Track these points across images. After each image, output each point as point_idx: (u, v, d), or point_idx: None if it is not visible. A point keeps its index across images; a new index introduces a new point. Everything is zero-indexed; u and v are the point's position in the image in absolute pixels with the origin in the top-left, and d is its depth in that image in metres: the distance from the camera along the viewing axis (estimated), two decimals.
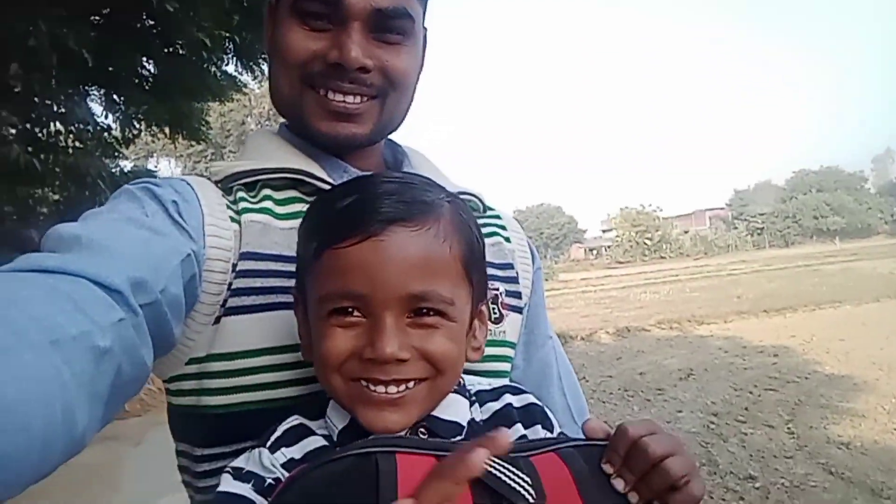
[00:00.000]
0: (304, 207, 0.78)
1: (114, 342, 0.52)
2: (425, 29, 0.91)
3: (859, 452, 4.82)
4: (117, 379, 0.54)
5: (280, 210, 0.81)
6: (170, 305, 0.64)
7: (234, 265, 0.75)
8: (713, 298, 16.36)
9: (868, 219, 65.53)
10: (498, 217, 1.00)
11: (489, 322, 0.86)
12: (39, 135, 6.63)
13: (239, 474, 0.63)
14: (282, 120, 0.94)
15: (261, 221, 0.78)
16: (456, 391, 0.69)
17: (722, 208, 76.52)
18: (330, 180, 0.82)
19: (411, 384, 0.62)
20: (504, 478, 0.54)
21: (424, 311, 0.62)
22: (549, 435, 0.71)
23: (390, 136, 0.95)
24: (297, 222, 0.76)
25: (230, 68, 6.71)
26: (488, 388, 0.74)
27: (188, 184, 0.79)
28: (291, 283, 0.73)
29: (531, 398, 0.74)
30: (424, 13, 0.89)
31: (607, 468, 0.60)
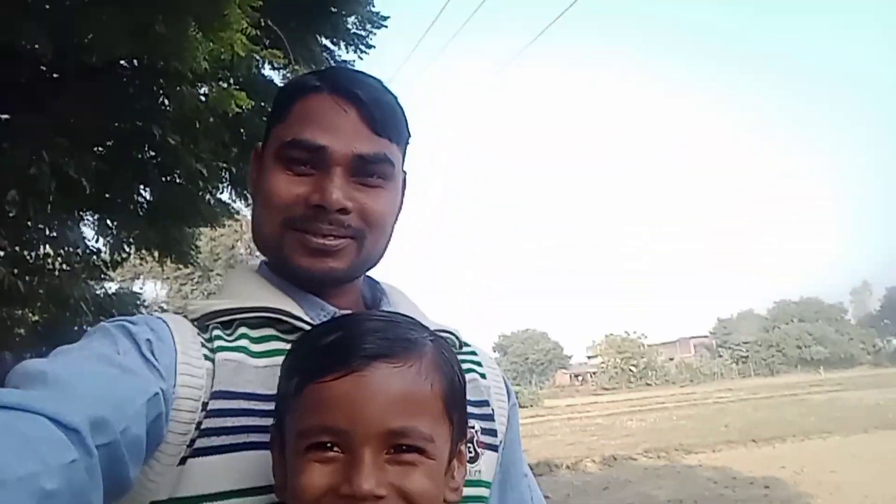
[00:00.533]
0: (280, 345, 0.80)
1: (61, 485, 0.50)
2: (405, 172, 0.95)
3: None
4: None
5: (255, 348, 0.81)
6: (129, 447, 0.62)
7: (205, 404, 0.74)
8: (701, 427, 16.06)
9: (850, 349, 65.75)
10: (474, 353, 1.01)
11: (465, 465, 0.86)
12: (28, 257, 6.71)
13: None
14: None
15: (235, 360, 0.78)
16: None
17: (706, 336, 76.49)
18: (307, 318, 0.82)
19: None
20: None
21: (404, 447, 0.62)
22: None
23: (369, 274, 0.98)
24: (272, 360, 0.78)
25: (224, 195, 6.95)
26: None
27: (164, 322, 0.79)
28: (264, 421, 0.73)
29: None
30: (404, 158, 0.93)
31: None
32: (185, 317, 0.84)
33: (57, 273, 7.28)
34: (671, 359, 67.01)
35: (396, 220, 0.95)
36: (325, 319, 0.83)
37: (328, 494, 0.61)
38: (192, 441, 0.72)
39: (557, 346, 75.54)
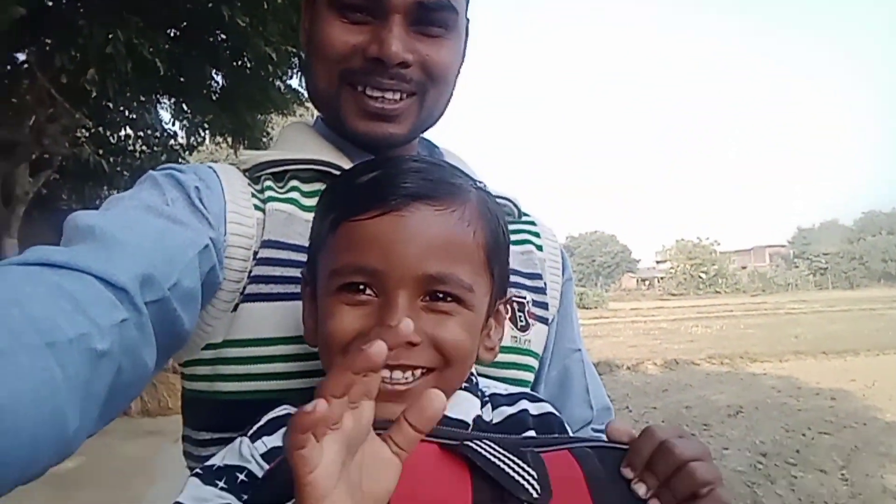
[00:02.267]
0: None
1: (113, 344, 0.52)
2: (468, 20, 0.88)
3: None
4: (116, 380, 0.53)
5: (306, 202, 0.80)
6: (181, 300, 0.63)
7: (256, 253, 0.74)
8: (769, 336, 15.77)
9: None
10: (532, 224, 0.98)
11: (515, 328, 0.85)
12: (110, 138, 6.99)
13: (209, 475, 0.58)
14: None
15: (286, 211, 0.78)
16: (467, 388, 0.66)
17: (783, 245, 74.05)
18: None
19: (418, 373, 0.59)
20: (507, 469, 0.52)
21: (441, 295, 0.59)
22: None
23: (430, 137, 0.95)
24: None
25: (294, 82, 6.94)
26: (504, 392, 0.70)
27: (213, 170, 0.78)
28: None
29: (549, 407, 0.70)
30: (468, 4, 0.86)
31: (627, 472, 0.58)
32: (237, 167, 0.82)
33: (138, 155, 7.60)
34: (744, 267, 65.49)
35: (459, 72, 0.89)
36: None
37: (359, 339, 0.57)
38: (244, 288, 0.73)
39: (626, 249, 74.96)
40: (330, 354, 0.60)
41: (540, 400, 0.71)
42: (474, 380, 0.68)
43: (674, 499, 0.56)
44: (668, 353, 12.81)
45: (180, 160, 7.93)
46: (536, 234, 0.97)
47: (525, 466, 0.53)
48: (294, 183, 0.82)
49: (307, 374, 0.73)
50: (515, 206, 0.93)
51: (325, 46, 0.80)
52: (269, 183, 0.80)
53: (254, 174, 0.81)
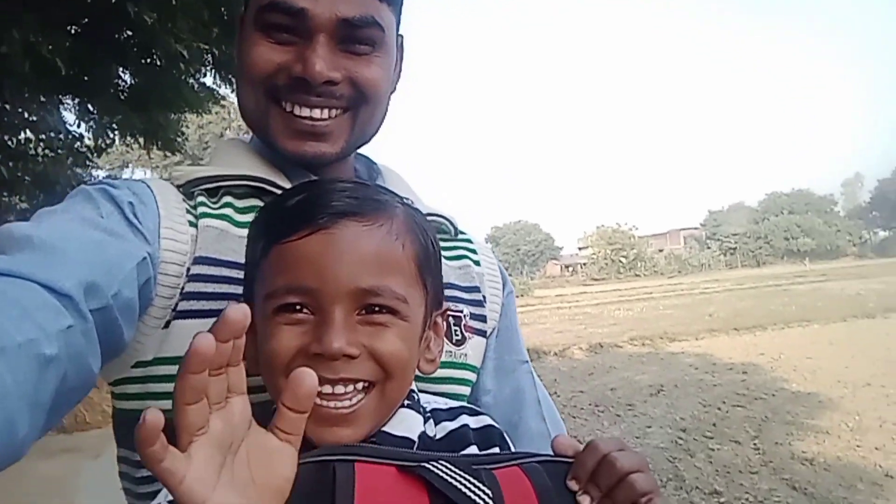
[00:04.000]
0: None
1: (60, 350, 0.51)
2: (400, 37, 0.88)
3: (822, 468, 4.91)
4: (62, 386, 0.52)
5: (240, 218, 0.79)
6: (122, 310, 0.63)
7: (188, 269, 0.73)
8: (685, 316, 16.55)
9: (837, 241, 66.84)
10: (469, 241, 0.99)
11: (450, 343, 0.85)
12: (9, 142, 6.56)
13: None
14: None
15: (218, 227, 0.77)
16: (409, 405, 0.67)
17: (696, 228, 77.48)
18: None
19: (359, 387, 0.59)
20: (464, 489, 0.53)
21: (376, 308, 0.60)
22: None
23: (363, 152, 0.94)
24: None
25: (208, 80, 6.71)
26: (444, 407, 0.71)
27: (146, 185, 0.77)
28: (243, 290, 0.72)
29: (488, 420, 0.71)
30: (398, 20, 0.86)
31: (573, 485, 0.60)
32: (171, 182, 0.81)
33: (41, 159, 7.17)
34: (661, 250, 68.20)
35: (393, 90, 0.89)
36: None
37: (299, 356, 0.58)
38: (176, 305, 0.72)
39: (549, 237, 76.51)
40: (273, 376, 0.60)
41: (479, 413, 0.73)
42: (416, 396, 0.69)
43: None
44: (593, 337, 13.23)
45: (88, 163, 7.54)
46: (473, 251, 0.98)
47: (480, 486, 0.55)
48: (227, 199, 0.81)
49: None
50: (451, 224, 0.94)
51: (251, 66, 0.79)
52: (202, 198, 0.80)
53: (188, 189, 0.80)
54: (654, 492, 0.59)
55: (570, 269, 71.85)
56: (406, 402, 0.67)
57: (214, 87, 6.76)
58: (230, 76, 6.29)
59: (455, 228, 0.96)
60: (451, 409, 0.72)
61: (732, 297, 22.70)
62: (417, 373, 0.68)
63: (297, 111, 0.79)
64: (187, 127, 8.19)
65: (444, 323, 0.74)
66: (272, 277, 0.61)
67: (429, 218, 0.78)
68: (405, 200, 0.70)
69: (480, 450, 0.67)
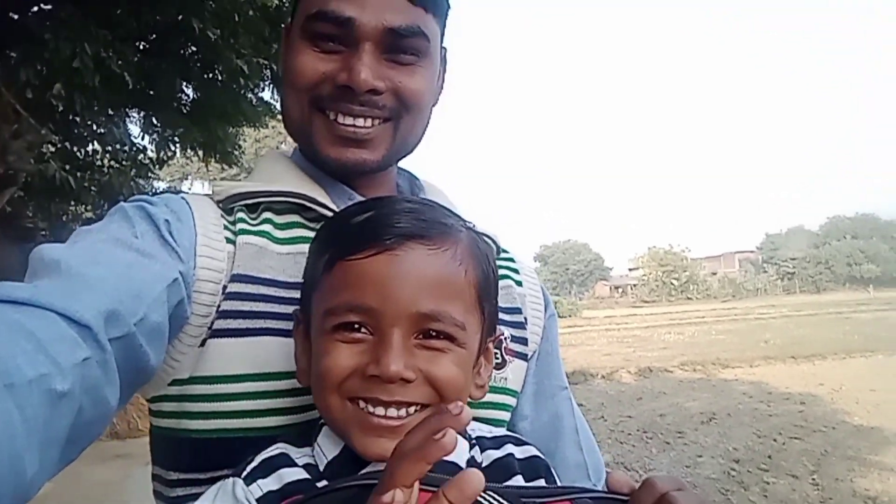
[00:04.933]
0: (304, 233, 0.78)
1: (74, 384, 0.50)
2: (444, 48, 0.88)
3: None
4: (77, 420, 0.52)
5: (279, 234, 0.79)
6: (148, 335, 0.62)
7: (225, 287, 0.72)
8: (739, 342, 16.05)
9: None
10: (511, 260, 0.97)
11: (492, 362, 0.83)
12: (77, 153, 6.86)
13: None
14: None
15: (257, 244, 0.76)
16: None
17: (752, 251, 75.38)
18: (334, 207, 0.80)
19: (412, 410, 0.59)
20: None
21: (434, 333, 0.60)
22: None
23: (406, 167, 0.94)
24: (295, 247, 0.76)
25: (266, 94, 6.90)
26: (489, 435, 0.70)
27: (185, 202, 0.77)
28: (283, 308, 0.72)
29: (534, 451, 0.69)
30: (443, 32, 0.86)
31: None
32: (210, 198, 0.81)
33: (106, 170, 7.47)
34: (714, 273, 66.51)
35: (436, 101, 0.88)
36: None
37: (354, 375, 0.58)
38: (212, 323, 0.71)
39: (598, 257, 75.58)
40: (325, 391, 0.60)
41: (524, 443, 0.71)
42: None
43: None
44: (642, 360, 12.95)
45: (150, 175, 7.81)
46: (516, 270, 0.96)
47: None
48: (267, 215, 0.80)
49: (277, 413, 0.71)
50: (495, 242, 0.93)
51: (297, 74, 0.79)
52: (241, 215, 0.79)
53: (227, 205, 0.80)
54: None
55: (620, 290, 70.69)
56: None
57: (272, 101, 6.94)
58: None
59: (498, 246, 0.94)
60: (495, 437, 0.70)
61: (790, 323, 21.93)
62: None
63: (339, 119, 0.79)
64: (244, 140, 8.42)
65: (495, 349, 0.72)
66: (334, 293, 0.61)
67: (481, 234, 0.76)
68: (468, 224, 0.69)
69: (525, 481, 0.66)
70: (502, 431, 0.73)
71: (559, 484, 0.67)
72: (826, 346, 13.94)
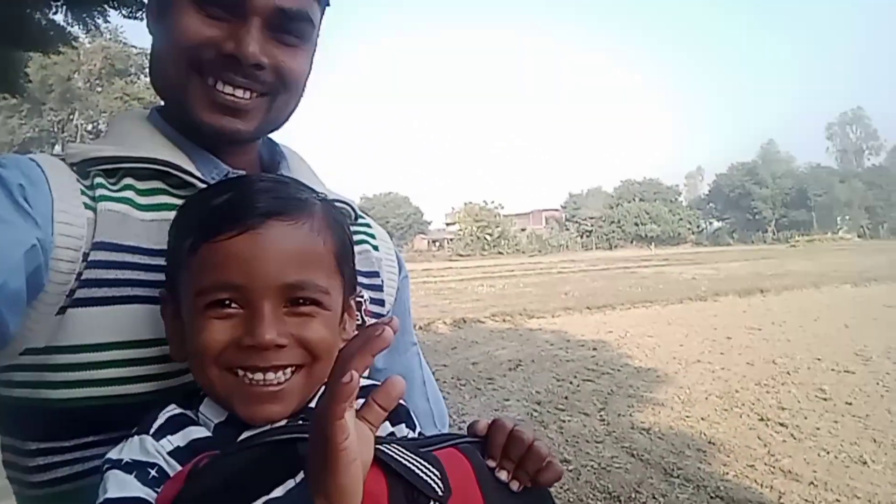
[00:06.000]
0: (168, 199, 0.78)
1: None
2: (318, 34, 0.90)
3: (657, 437, 5.40)
4: None
5: (142, 200, 0.78)
6: (6, 301, 0.61)
7: (86, 254, 0.71)
8: (544, 294, 17.41)
9: (679, 228, 73.17)
10: (368, 226, 1.02)
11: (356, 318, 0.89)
12: None
13: (120, 467, 0.60)
14: (157, 103, 0.90)
15: (119, 211, 0.75)
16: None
17: (557, 209, 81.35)
18: (199, 174, 0.80)
19: (289, 371, 0.64)
20: (416, 470, 0.58)
21: (301, 300, 0.65)
22: (411, 433, 0.75)
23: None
24: (159, 214, 0.76)
25: (58, 17, 6.07)
26: (365, 384, 0.76)
27: (37, 165, 0.74)
28: (149, 276, 0.73)
29: None
30: (322, 18, 0.89)
31: (490, 462, 0.68)
32: (63, 160, 0.77)
33: None
34: (523, 230, 71.03)
35: (305, 83, 0.89)
36: (217, 178, 0.81)
37: (230, 348, 0.63)
38: (73, 291, 0.70)
39: (418, 211, 77.34)
40: (204, 365, 0.64)
41: None
42: None
43: (526, 475, 0.67)
44: (457, 312, 13.60)
45: None
46: (372, 236, 1.01)
47: (430, 466, 0.60)
48: (128, 181, 0.79)
49: (144, 379, 0.72)
50: (353, 209, 0.98)
51: (179, 34, 0.78)
52: (100, 180, 0.77)
53: (83, 169, 0.77)
54: (551, 455, 0.69)
55: (438, 243, 73.10)
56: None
57: (65, 25, 6.12)
58: (85, 16, 5.73)
59: (356, 213, 0.99)
60: (363, 387, 0.75)
61: (586, 277, 24.19)
62: None
63: (219, 87, 0.79)
64: (29, 67, 7.36)
65: (356, 305, 0.80)
66: (202, 274, 0.64)
67: (334, 204, 0.81)
68: (321, 196, 0.74)
69: (392, 426, 0.73)
70: (368, 381, 0.78)
71: (416, 428, 0.77)
72: (615, 298, 15.61)
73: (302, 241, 0.66)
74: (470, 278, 24.78)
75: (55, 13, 5.88)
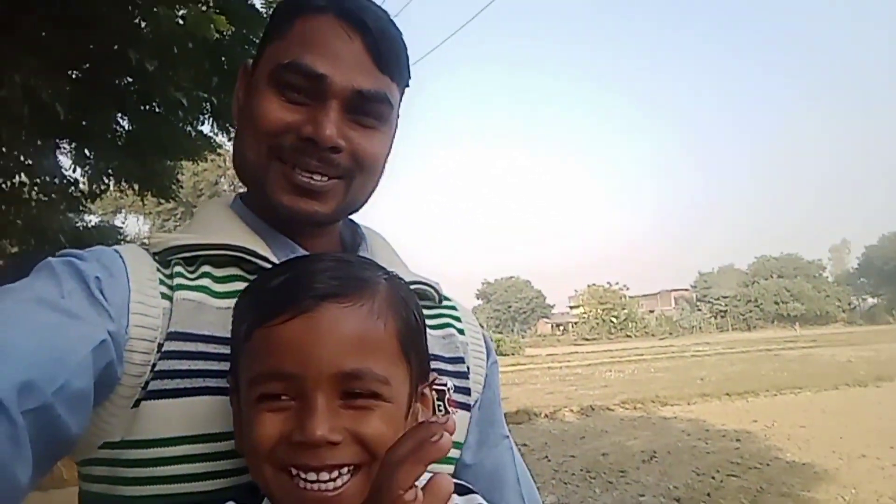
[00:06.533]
0: (244, 286, 0.75)
1: None
2: (398, 115, 0.90)
3: None
4: None
5: (218, 288, 0.77)
6: (69, 403, 0.59)
7: (161, 345, 0.70)
8: (677, 379, 16.40)
9: (826, 306, 67.22)
10: (453, 308, 0.98)
11: (434, 411, 0.83)
12: (3, 185, 6.52)
13: None
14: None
15: (195, 300, 0.74)
16: None
17: (686, 289, 77.84)
18: (274, 260, 0.78)
19: (346, 473, 0.59)
20: None
21: (358, 391, 0.60)
22: None
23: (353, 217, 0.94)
24: (233, 301, 0.73)
25: (205, 128, 6.74)
26: None
27: (119, 256, 0.74)
28: (222, 366, 0.70)
29: (479, 499, 0.70)
30: (401, 101, 0.88)
31: None
32: (147, 249, 0.78)
33: (34, 203, 7.12)
34: (651, 311, 68.26)
35: (385, 164, 0.88)
36: None
37: (281, 443, 0.58)
38: (147, 383, 0.69)
39: (540, 294, 76.56)
40: (257, 462, 0.60)
41: (470, 491, 0.71)
42: None
43: None
44: (584, 399, 13.06)
45: (81, 208, 7.49)
46: (457, 318, 0.97)
47: None
48: (206, 268, 0.78)
49: (214, 476, 0.69)
50: (436, 290, 0.94)
51: (260, 119, 0.79)
52: (179, 268, 0.77)
53: (164, 258, 0.77)
54: None
55: (561, 327, 71.64)
56: None
57: (211, 134, 6.78)
58: (227, 125, 6.32)
59: (439, 295, 0.95)
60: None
61: (723, 360, 22.60)
62: None
63: (297, 171, 0.79)
64: (182, 174, 8.17)
65: (431, 393, 0.74)
66: (254, 362, 0.61)
67: (412, 286, 0.78)
68: (389, 273, 0.69)
69: None
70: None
71: None
72: (758, 383, 14.39)
73: (360, 324, 0.61)
74: (597, 363, 23.90)
75: (202, 124, 6.55)
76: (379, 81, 0.80)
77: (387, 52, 0.80)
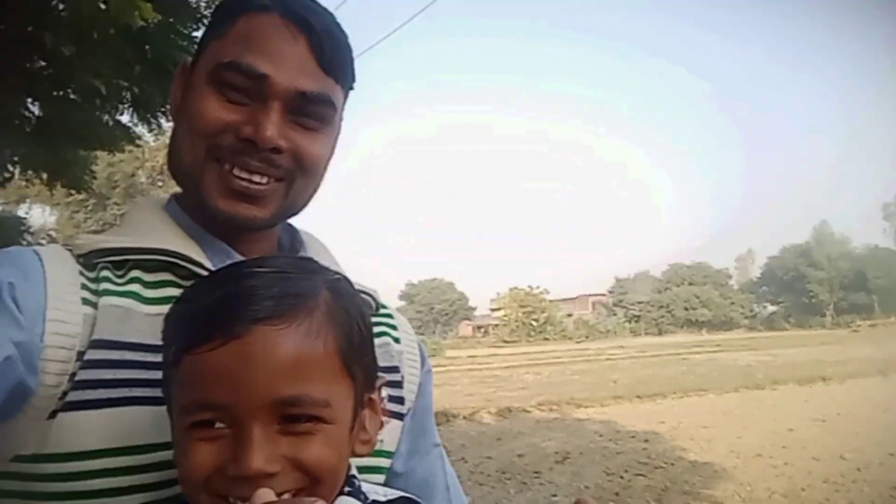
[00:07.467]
0: (175, 292, 0.72)
1: None
2: (341, 118, 0.88)
3: None
4: None
5: (148, 294, 0.73)
6: None
7: (81, 353, 0.66)
8: (592, 382, 16.91)
9: (731, 313, 70.97)
10: (390, 316, 0.96)
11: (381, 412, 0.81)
12: None
13: None
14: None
15: (122, 306, 0.71)
16: (350, 492, 0.64)
17: (604, 294, 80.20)
18: (209, 266, 0.75)
19: (286, 497, 0.55)
20: None
21: (296, 416, 0.57)
22: None
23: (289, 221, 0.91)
24: (165, 308, 0.68)
25: (125, 118, 6.47)
26: (383, 498, 0.69)
27: (37, 258, 0.70)
28: (152, 374, 0.66)
29: None
30: (344, 104, 0.86)
31: None
32: (71, 251, 0.74)
33: None
34: (570, 315, 69.92)
35: (326, 167, 0.87)
36: None
37: (215, 476, 0.55)
38: (65, 394, 0.65)
39: (463, 296, 77.11)
40: (193, 491, 0.57)
41: (416, 503, 0.71)
42: (357, 483, 0.66)
43: None
44: (502, 400, 13.27)
45: None
46: (393, 327, 0.96)
47: None
48: (135, 273, 0.75)
49: (142, 489, 0.66)
50: (374, 298, 0.92)
51: (198, 119, 0.76)
52: (106, 273, 0.73)
53: (90, 261, 0.73)
54: None
55: (483, 329, 72.45)
56: (347, 488, 0.64)
57: (130, 125, 6.51)
58: (148, 116, 6.09)
59: (377, 303, 0.94)
60: (389, 500, 0.69)
61: (636, 364, 23.47)
62: None
63: (235, 172, 0.77)
64: (96, 164, 7.81)
65: (379, 395, 0.70)
66: (184, 389, 0.57)
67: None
68: (332, 278, 0.65)
69: None
70: (396, 493, 0.72)
71: None
72: (666, 386, 15.02)
73: (296, 347, 0.57)
74: (516, 365, 24.31)
75: (121, 114, 6.28)
76: (323, 83, 0.78)
77: (332, 53, 0.78)
